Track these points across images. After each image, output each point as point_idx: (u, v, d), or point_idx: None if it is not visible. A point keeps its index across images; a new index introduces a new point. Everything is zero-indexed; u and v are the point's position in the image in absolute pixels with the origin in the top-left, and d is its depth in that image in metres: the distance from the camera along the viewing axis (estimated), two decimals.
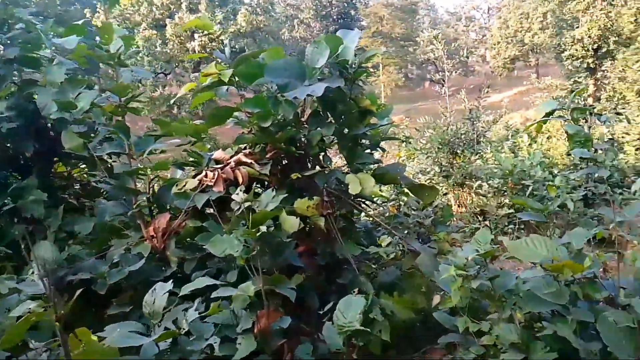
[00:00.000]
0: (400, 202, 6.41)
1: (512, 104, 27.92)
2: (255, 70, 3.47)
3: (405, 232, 4.96)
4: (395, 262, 4.13)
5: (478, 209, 7.91)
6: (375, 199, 7.56)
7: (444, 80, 10.60)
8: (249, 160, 3.31)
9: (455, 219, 7.96)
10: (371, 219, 4.95)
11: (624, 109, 16.40)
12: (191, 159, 3.80)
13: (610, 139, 10.86)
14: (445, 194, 8.79)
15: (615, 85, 19.08)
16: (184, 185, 3.31)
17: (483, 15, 67.28)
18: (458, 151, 8.50)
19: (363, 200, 4.27)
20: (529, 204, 2.61)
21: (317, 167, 3.79)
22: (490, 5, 65.50)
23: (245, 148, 3.58)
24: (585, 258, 2.06)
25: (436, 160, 8.51)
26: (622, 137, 13.89)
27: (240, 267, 2.69)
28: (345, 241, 3.62)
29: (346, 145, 3.86)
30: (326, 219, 3.47)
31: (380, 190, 7.71)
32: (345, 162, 3.90)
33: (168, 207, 3.75)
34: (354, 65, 3.58)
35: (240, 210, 2.58)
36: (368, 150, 4.13)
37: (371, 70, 55.09)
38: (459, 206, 8.39)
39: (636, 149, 13.52)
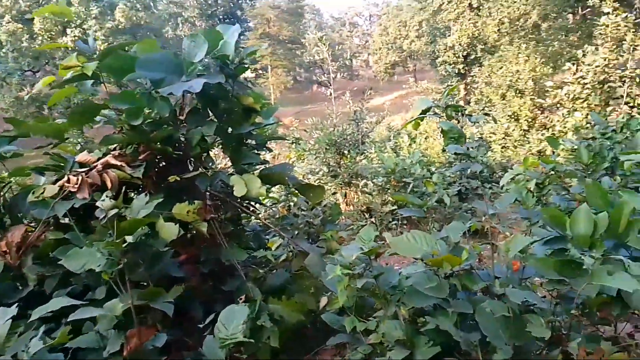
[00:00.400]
0: (290, 203, 6.36)
1: (393, 106, 29.46)
2: (126, 64, 3.15)
3: (295, 232, 4.92)
4: (286, 264, 4.05)
5: (364, 207, 8.14)
6: (265, 201, 7.42)
7: (329, 83, 10.79)
8: (118, 163, 2.99)
9: (343, 217, 8.12)
10: (260, 221, 4.82)
11: (490, 111, 18.03)
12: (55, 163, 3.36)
13: (479, 138, 11.87)
14: (334, 193, 8.95)
15: (482, 90, 20.90)
16: (42, 193, 2.90)
17: (365, 21, 70.56)
18: (345, 151, 8.69)
19: (251, 202, 4.12)
20: (409, 200, 2.66)
21: (200, 169, 3.57)
22: (372, 12, 68.92)
23: (115, 149, 3.25)
24: (462, 251, 2.12)
25: (324, 160, 8.64)
26: (490, 136, 15.32)
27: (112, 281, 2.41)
28: (231, 246, 3.45)
29: (230, 145, 3.69)
30: (209, 224, 3.27)
31: (269, 191, 7.60)
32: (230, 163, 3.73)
33: (26, 218, 3.28)
34: (235, 61, 3.42)
35: (107, 218, 2.30)
36: (254, 151, 3.99)
37: (260, 72, 55.11)
38: (346, 204, 8.58)
39: (502, 147, 15.00)
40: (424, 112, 2.35)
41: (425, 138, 15.75)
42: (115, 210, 2.28)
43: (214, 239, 3.40)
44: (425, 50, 40.22)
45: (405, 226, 7.28)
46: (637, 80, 12.62)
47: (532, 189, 3.96)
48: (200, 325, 2.28)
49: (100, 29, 33.69)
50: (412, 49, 46.43)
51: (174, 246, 2.99)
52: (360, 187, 8.28)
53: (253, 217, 4.94)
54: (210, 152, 3.78)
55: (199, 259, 3.37)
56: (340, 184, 8.53)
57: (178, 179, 3.13)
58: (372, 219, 7.56)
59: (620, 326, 3.03)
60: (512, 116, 16.10)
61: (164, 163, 3.50)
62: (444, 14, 30.35)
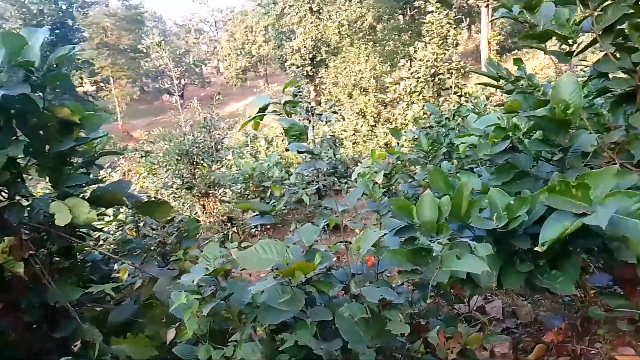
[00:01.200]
0: (140, 224, 5.83)
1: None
2: None
3: (144, 256, 4.46)
4: (135, 295, 3.61)
5: (225, 216, 7.82)
6: (112, 224, 6.69)
7: (174, 90, 10.23)
8: None
9: (204, 230, 7.70)
10: (99, 250, 4.26)
11: (340, 109, 18.82)
12: None
13: (331, 136, 12.25)
14: (192, 206, 8.46)
15: (331, 90, 21.74)
16: None
17: (211, 28, 69.43)
18: (198, 160, 8.25)
19: (87, 230, 3.61)
20: (255, 207, 2.47)
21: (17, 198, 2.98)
22: (217, 18, 68.06)
23: None
24: (315, 255, 1.98)
25: (177, 172, 8.09)
26: (341, 133, 15.94)
27: None
28: (60, 285, 2.93)
29: (48, 166, 3.14)
30: (28, 263, 2.74)
31: (118, 212, 6.89)
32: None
33: None
34: (42, 69, 2.90)
35: None
36: (82, 170, 3.48)
37: (101, 84, 51.01)
38: (206, 216, 8.15)
39: (353, 143, 15.70)
40: (262, 110, 2.17)
41: (282, 140, 15.87)
42: None
43: (39, 280, 2.86)
44: (274, 54, 40.74)
45: (268, 230, 7.12)
46: (462, 71, 14.12)
47: (379, 180, 4.05)
48: None
49: None
50: (261, 53, 46.75)
51: None
52: (219, 196, 7.92)
53: (92, 247, 4.38)
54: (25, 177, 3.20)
55: (19, 306, 2.81)
56: (197, 195, 8.08)
57: None
58: (234, 228, 7.26)
59: (473, 299, 3.21)
60: (360, 113, 16.98)
61: None
62: (287, 18, 30.99)
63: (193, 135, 8.15)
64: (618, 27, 2.38)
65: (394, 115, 15.69)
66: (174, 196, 8.24)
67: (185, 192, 8.11)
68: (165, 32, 66.20)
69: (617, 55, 2.41)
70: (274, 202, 6.79)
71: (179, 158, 7.97)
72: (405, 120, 14.07)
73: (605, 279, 2.99)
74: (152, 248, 5.07)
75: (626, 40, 2.39)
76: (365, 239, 1.93)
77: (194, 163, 8.11)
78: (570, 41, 2.49)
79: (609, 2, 2.38)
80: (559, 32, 2.45)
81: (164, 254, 4.96)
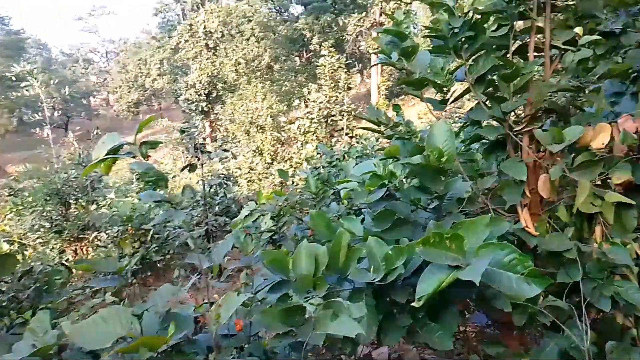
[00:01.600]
0: None
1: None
2: None
3: None
4: None
5: None
6: None
7: (46, 122, 9.30)
8: None
9: (75, 279, 6.88)
10: None
11: (237, 146, 18.49)
12: None
13: (222, 174, 11.87)
14: (62, 252, 7.54)
15: (227, 127, 21.40)
16: None
17: (102, 58, 66.16)
18: (71, 201, 7.42)
19: None
20: (96, 268, 2.12)
21: None
22: (108, 49, 65.13)
23: None
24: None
25: (44, 214, 7.18)
26: (236, 171, 15.60)
27: None
28: None
29: None
30: None
31: None
32: None
33: None
34: None
35: None
36: None
37: None
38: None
39: (248, 181, 15.40)
40: (113, 151, 1.87)
41: (173, 177, 15.15)
42: None
43: None
44: (169, 89, 39.62)
45: (148, 278, 6.52)
46: (353, 114, 14.62)
47: (267, 223, 3.84)
48: None
49: None
50: (156, 87, 45.25)
51: None
52: (93, 240, 7.14)
53: None
54: None
55: None
56: (69, 240, 7.22)
57: None
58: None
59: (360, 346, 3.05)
60: (257, 150, 16.80)
61: None
62: (182, 53, 30.40)
63: (66, 173, 7.34)
64: (489, 77, 2.45)
65: (289, 154, 15.72)
66: (40, 241, 7.31)
67: (54, 236, 7.21)
68: (50, 60, 61.70)
69: (489, 104, 2.47)
70: (154, 247, 6.24)
71: (48, 198, 7.10)
72: (300, 159, 14.15)
73: (485, 318, 3.01)
74: (3, 305, 4.43)
75: (496, 90, 2.47)
76: (228, 304, 1.68)
77: (66, 203, 7.28)
78: (444, 89, 2.52)
79: (481, 53, 2.45)
80: (434, 80, 2.47)
81: (20, 311, 4.32)
